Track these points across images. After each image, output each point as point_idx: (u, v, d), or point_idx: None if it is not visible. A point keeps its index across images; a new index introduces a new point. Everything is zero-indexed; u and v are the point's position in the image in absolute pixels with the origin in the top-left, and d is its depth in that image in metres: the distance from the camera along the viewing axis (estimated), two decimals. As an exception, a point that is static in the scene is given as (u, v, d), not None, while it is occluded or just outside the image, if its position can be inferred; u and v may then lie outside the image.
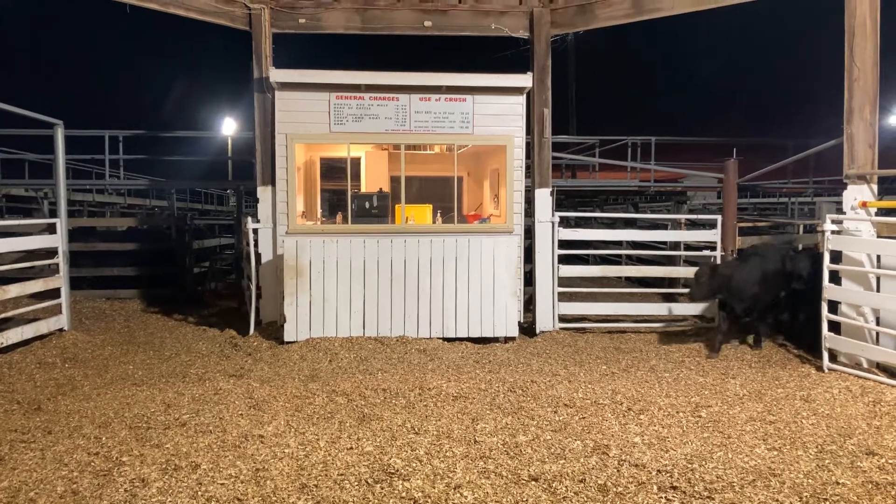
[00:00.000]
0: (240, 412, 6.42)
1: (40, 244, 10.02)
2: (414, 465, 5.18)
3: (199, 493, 4.72)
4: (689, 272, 11.48)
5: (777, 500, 4.63)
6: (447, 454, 5.40)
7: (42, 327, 9.36)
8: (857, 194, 8.32)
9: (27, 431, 5.92)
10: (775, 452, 5.49)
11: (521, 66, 11.01)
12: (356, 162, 11.44)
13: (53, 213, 10.30)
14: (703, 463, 5.20)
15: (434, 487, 4.81)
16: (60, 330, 9.65)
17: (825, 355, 8.05)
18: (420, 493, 4.71)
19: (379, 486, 4.79)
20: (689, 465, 5.13)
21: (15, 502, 4.57)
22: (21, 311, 9.66)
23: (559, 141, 17.41)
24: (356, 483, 4.85)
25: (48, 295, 9.87)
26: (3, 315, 9.14)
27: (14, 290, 9.12)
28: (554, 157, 12.76)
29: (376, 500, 4.60)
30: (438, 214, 10.88)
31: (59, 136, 10.03)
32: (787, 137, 19.48)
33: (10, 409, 6.60)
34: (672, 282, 12.32)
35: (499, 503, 4.59)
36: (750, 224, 13.83)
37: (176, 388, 7.28)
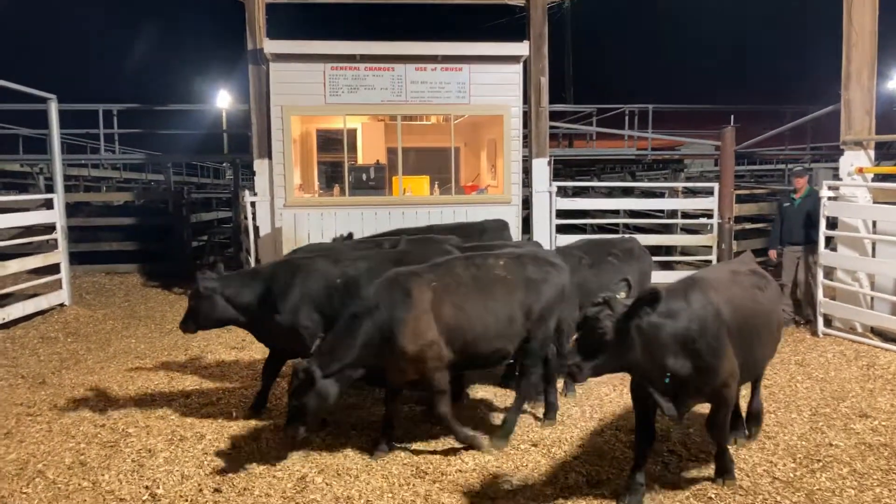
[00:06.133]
0: (243, 383, 6.50)
1: (38, 220, 10.01)
2: (415, 432, 5.27)
3: (206, 462, 4.81)
4: (686, 240, 11.55)
5: (771, 462, 4.73)
6: (448, 422, 5.48)
7: (43, 302, 9.41)
8: (854, 160, 8.32)
9: (33, 405, 5.99)
10: (770, 415, 5.58)
11: (517, 34, 10.89)
12: (352, 134, 11.38)
13: (50, 189, 10.26)
14: (699, 427, 5.29)
15: (435, 454, 4.90)
16: (61, 305, 9.70)
17: (820, 320, 8.14)
18: (422, 460, 4.80)
19: (381, 451, 4.88)
20: (686, 430, 5.22)
21: (24, 474, 4.66)
22: (21, 286, 9.69)
23: (556, 110, 17.27)
24: (358, 452, 4.95)
25: (48, 270, 9.90)
26: (3, 291, 9.17)
27: (14, 265, 9.15)
28: (551, 127, 12.71)
29: (379, 467, 4.70)
30: (436, 186, 10.86)
31: (53, 110, 9.96)
32: (785, 104, 19.38)
33: (14, 383, 6.67)
34: (669, 250, 12.38)
35: (499, 468, 4.69)
36: (747, 191, 13.83)
37: (178, 360, 7.36)
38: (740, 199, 11.34)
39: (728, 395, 4.18)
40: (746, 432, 5.02)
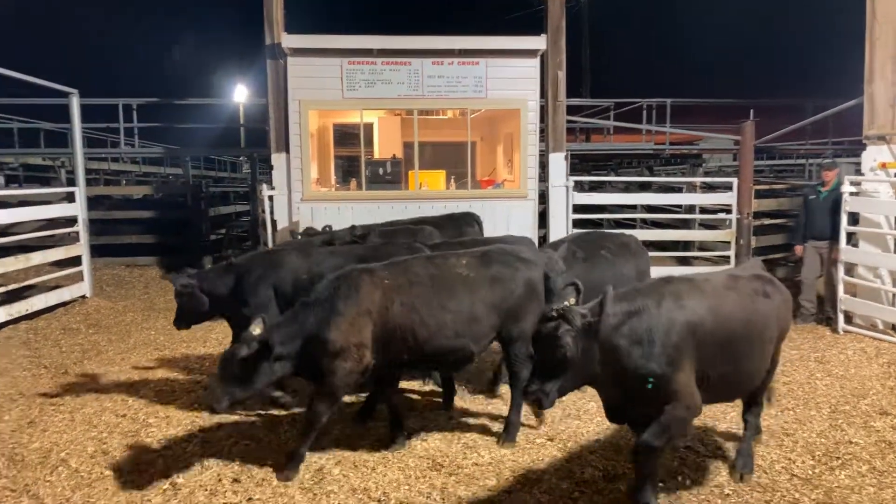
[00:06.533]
0: (260, 376, 6.55)
1: (60, 213, 10.15)
2: (431, 424, 5.29)
3: (225, 452, 4.87)
4: (704, 235, 11.47)
5: (789, 459, 4.70)
6: (464, 416, 5.51)
7: (65, 294, 9.55)
8: (877, 155, 8.22)
9: (56, 395, 6.09)
10: (789, 412, 5.55)
11: (534, 28, 10.84)
12: (369, 128, 11.40)
13: (71, 182, 10.39)
14: (717, 423, 5.27)
15: (451, 447, 4.93)
16: (83, 296, 9.83)
17: (840, 317, 8.05)
18: (438, 452, 4.83)
19: (396, 444, 4.91)
20: (703, 426, 5.20)
21: (47, 462, 4.74)
22: (44, 278, 9.83)
23: (573, 104, 17.12)
24: (375, 444, 4.98)
25: (69, 262, 10.03)
26: (26, 282, 9.32)
27: (37, 258, 9.30)
28: (568, 121, 12.62)
29: (395, 459, 4.73)
30: (452, 180, 10.86)
31: (75, 104, 10.09)
32: (806, 98, 19.12)
33: (37, 373, 6.78)
34: (687, 245, 12.30)
35: (515, 462, 4.70)
36: (766, 186, 13.68)
37: (198, 352, 7.45)
38: (759, 195, 11.22)
39: (674, 414, 3.66)
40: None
